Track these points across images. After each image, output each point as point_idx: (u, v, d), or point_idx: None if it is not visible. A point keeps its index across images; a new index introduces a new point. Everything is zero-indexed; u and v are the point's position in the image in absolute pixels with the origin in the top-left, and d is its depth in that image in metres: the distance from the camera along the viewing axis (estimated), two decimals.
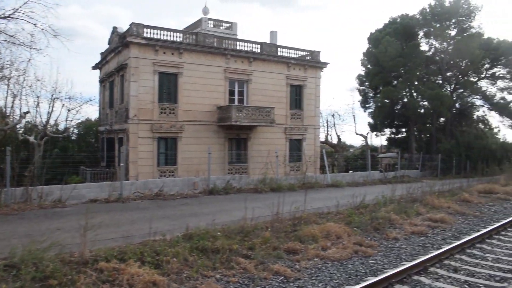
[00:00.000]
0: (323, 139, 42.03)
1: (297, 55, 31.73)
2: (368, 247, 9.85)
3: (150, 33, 25.63)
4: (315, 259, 8.93)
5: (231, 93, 28.25)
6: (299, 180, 21.36)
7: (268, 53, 29.49)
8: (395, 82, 40.85)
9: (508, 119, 43.73)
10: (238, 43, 29.43)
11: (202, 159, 23.69)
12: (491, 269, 8.37)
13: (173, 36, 26.51)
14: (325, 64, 32.28)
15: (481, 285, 7.41)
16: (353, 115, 44.07)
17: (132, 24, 25.11)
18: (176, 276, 7.54)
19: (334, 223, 11.48)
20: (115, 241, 9.48)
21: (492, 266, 8.56)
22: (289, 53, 31.02)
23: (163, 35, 26.08)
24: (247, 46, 29.41)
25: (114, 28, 30.06)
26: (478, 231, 11.46)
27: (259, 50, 29.45)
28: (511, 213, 14.91)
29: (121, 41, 26.39)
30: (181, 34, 27.14)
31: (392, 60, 37.37)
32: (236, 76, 28.31)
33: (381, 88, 40.72)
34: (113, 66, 28.56)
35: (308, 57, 32.27)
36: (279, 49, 30.52)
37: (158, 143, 25.71)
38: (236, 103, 27.89)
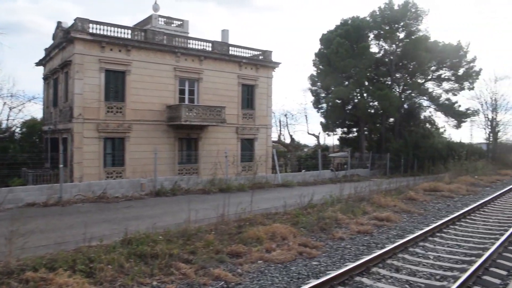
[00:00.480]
0: (276, 139, 42.11)
1: (249, 55, 31.51)
2: (313, 248, 9.72)
3: (96, 29, 24.60)
4: (258, 262, 8.68)
5: (182, 92, 27.62)
6: (249, 180, 21.14)
7: (220, 52, 29.09)
8: (346, 82, 41.47)
9: (452, 119, 45.38)
10: (189, 41, 28.86)
11: (151, 159, 22.92)
12: (432, 268, 8.40)
13: (121, 32, 25.59)
14: (277, 64, 32.25)
15: (422, 285, 7.39)
16: (305, 115, 44.37)
17: (77, 19, 24.04)
18: (109, 285, 7.09)
19: (281, 224, 11.30)
20: (47, 248, 8.90)
21: (434, 264, 8.60)
22: (241, 52, 30.74)
23: (110, 31, 25.11)
24: (198, 45, 28.88)
25: (59, 23, 28.70)
26: (422, 229, 11.58)
27: (210, 49, 29.00)
28: (453, 210, 15.23)
29: (65, 37, 25.20)
30: (130, 31, 26.27)
31: (343, 61, 37.91)
32: (186, 74, 27.71)
33: (332, 88, 41.24)
34: (57, 62, 27.26)
35: (261, 57, 32.13)
36: (230, 48, 30.18)
37: (104, 143, 24.73)
38: (186, 102, 27.29)
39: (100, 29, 24.75)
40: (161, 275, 7.67)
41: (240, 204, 12.43)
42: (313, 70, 44.15)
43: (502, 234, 10.96)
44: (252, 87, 30.95)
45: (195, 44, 28.78)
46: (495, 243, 9.86)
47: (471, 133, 59.14)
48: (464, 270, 7.88)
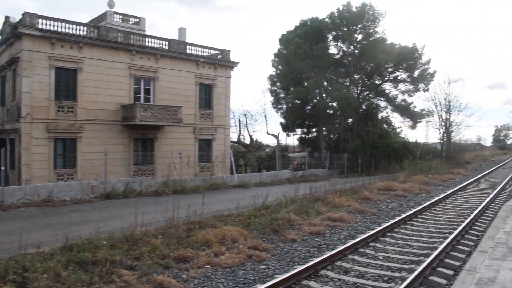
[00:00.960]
0: (235, 139, 41.85)
1: (207, 54, 31.09)
2: (264, 251, 9.51)
3: (46, 24, 23.56)
4: (206, 266, 8.38)
5: (137, 91, 26.87)
6: (205, 181, 20.77)
7: (177, 51, 28.51)
8: (306, 83, 41.71)
9: (408, 119, 46.54)
10: (145, 39, 28.13)
11: (104, 161, 22.21)
12: (381, 269, 8.34)
13: (74, 29, 24.62)
14: (236, 63, 31.98)
15: (369, 287, 7.30)
16: (265, 115, 44.24)
17: (25, 14, 22.92)
18: None
19: (232, 226, 11.03)
20: None
21: (382, 265, 8.55)
22: (199, 51, 30.25)
23: (61, 27, 24.10)
24: (154, 43, 28.20)
25: (7, 18, 27.29)
26: (373, 229, 11.57)
27: (167, 47, 28.38)
28: (406, 210, 15.41)
29: (13, 32, 24.00)
30: (83, 27, 25.32)
31: (302, 62, 38.08)
32: (142, 73, 27.00)
33: (292, 89, 41.39)
34: (5, 59, 25.91)
35: (219, 56, 31.78)
36: (188, 46, 29.65)
37: (55, 144, 23.71)
38: (142, 101, 26.57)
39: (50, 25, 23.71)
40: (100, 284, 7.24)
41: (192, 206, 12.10)
42: (272, 71, 44.21)
43: (451, 233, 11.08)
44: (210, 87, 30.53)
45: (152, 42, 28.09)
46: (443, 242, 9.93)
47: (427, 133, 61.03)
48: (412, 271, 7.84)
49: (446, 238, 10.54)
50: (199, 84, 29.72)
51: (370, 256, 9.23)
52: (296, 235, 11.05)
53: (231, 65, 31.84)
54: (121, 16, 31.40)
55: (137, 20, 32.04)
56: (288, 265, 8.51)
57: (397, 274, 7.93)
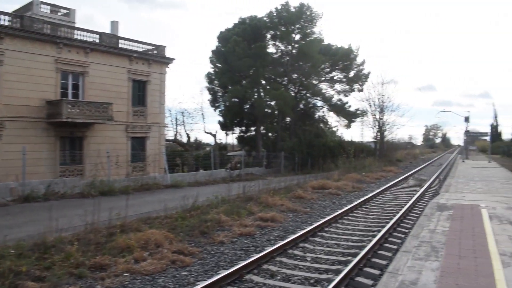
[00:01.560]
0: (172, 138, 40.86)
1: (142, 49, 29.99)
2: (189, 255, 9.02)
3: None
4: (124, 274, 7.77)
5: (65, 86, 25.34)
6: (135, 181, 19.89)
7: (108, 45, 27.22)
8: (244, 82, 41.50)
9: (344, 119, 47.69)
10: (74, 31, 26.63)
11: (28, 160, 20.64)
12: (308, 271, 8.11)
13: None
14: (171, 59, 31.10)
15: None
16: (202, 113, 43.40)
17: None
18: None
19: (158, 229, 10.44)
20: None
21: (310, 267, 8.33)
22: (132, 46, 29.11)
23: None
24: (84, 36, 26.75)
25: None
26: (304, 228, 11.41)
27: (98, 41, 27.02)
28: (338, 208, 15.45)
29: None
30: (5, 17, 23.50)
31: (239, 60, 37.82)
32: (70, 68, 25.48)
33: (230, 87, 41.00)
34: None
35: (154, 52, 30.75)
36: (120, 41, 28.42)
37: None
38: (70, 97, 25.12)
39: None
40: None
41: (118, 208, 11.37)
42: (210, 68, 43.57)
43: (379, 231, 11.13)
44: (144, 83, 29.45)
45: (81, 35, 26.63)
46: (372, 240, 9.92)
47: (362, 133, 62.82)
48: (339, 272, 7.68)
49: (374, 236, 10.55)
50: (132, 80, 28.58)
51: (298, 257, 9.00)
52: (225, 237, 10.66)
53: (167, 61, 30.92)
54: (49, 7, 29.58)
55: (67, 11, 30.35)
56: (212, 270, 8.08)
57: (324, 276, 7.73)
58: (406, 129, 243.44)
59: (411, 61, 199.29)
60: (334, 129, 51.19)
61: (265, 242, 10.37)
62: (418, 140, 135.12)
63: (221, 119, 45.18)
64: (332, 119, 49.85)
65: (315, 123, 48.75)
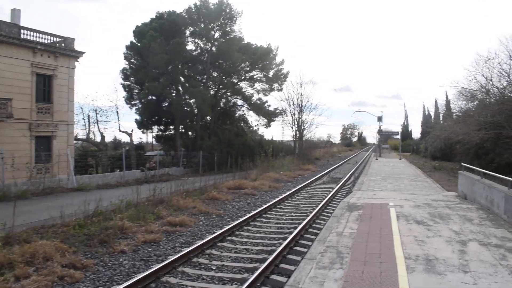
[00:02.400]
0: (84, 137, 38.45)
1: (48, 41, 27.68)
2: (82, 269, 8.11)
3: None
4: None
5: None
6: (35, 185, 18.16)
7: (8, 35, 24.74)
8: (162, 79, 40.00)
9: (263, 118, 47.84)
10: None
11: None
12: (211, 282, 7.56)
13: None
14: (81, 53, 29.07)
15: None
16: (117, 111, 41.07)
17: None
18: None
19: (50, 240, 9.35)
20: None
21: (214, 277, 7.77)
22: (36, 37, 26.71)
23: None
24: None
25: None
26: (213, 233, 10.86)
27: None
28: (251, 209, 15.08)
29: None
30: None
31: (156, 56, 36.35)
32: None
33: (146, 84, 39.30)
34: None
35: (62, 45, 28.55)
36: (22, 31, 25.95)
37: None
38: None
39: None
40: None
41: (7, 216, 10.10)
42: (125, 64, 41.36)
43: (291, 233, 10.89)
44: (49, 78, 27.19)
45: None
46: (282, 244, 9.60)
47: (283, 132, 63.69)
48: (244, 281, 7.21)
49: (285, 239, 10.27)
50: (36, 74, 26.21)
51: (203, 266, 8.41)
52: (127, 245, 9.81)
53: (76, 55, 28.84)
54: None
55: None
56: (104, 287, 7.26)
57: (228, 287, 7.22)
58: (325, 128, 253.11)
59: (330, 63, 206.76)
60: (255, 128, 51.20)
61: (169, 250, 9.66)
62: (336, 139, 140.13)
63: (138, 117, 43.24)
64: (252, 118, 49.89)
65: (236, 122, 48.40)
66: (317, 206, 15.08)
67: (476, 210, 12.58)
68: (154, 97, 40.80)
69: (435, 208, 12.91)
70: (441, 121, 49.41)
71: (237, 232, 11.33)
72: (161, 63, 37.09)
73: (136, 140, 48.30)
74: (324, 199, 16.96)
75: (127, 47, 39.90)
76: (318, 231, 11.23)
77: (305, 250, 9.41)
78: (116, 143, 55.80)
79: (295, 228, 11.53)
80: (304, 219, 12.69)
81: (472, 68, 25.05)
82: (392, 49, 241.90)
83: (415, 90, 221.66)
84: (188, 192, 17.10)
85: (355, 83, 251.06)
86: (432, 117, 68.14)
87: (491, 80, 23.41)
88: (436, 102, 64.73)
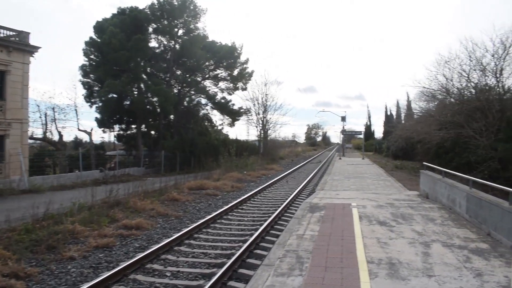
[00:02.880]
0: (41, 136, 36.97)
1: (0, 35, 26.29)
2: (24, 278, 7.50)
3: None
4: None
5: None
6: None
7: None
8: (123, 76, 38.86)
9: (228, 117, 47.38)
10: None
11: None
12: None
13: None
14: (36, 48, 27.73)
15: None
16: (76, 109, 39.47)
17: None
18: None
19: None
20: None
21: (168, 284, 7.31)
22: None
23: None
24: None
25: None
26: (170, 236, 10.37)
27: None
28: (212, 211, 14.63)
29: None
30: None
31: (116, 52, 35.27)
32: None
33: (106, 81, 38.06)
34: None
35: (17, 38, 27.19)
36: None
37: None
38: None
39: None
40: None
41: None
42: (84, 60, 39.85)
43: (252, 235, 10.56)
44: (2, 74, 25.79)
45: None
46: (242, 247, 9.25)
47: (248, 131, 63.35)
48: None
49: (245, 241, 9.94)
50: None
51: (157, 273, 7.93)
52: (78, 251, 9.21)
53: (31, 49, 27.49)
54: None
55: None
56: None
57: None
58: (290, 128, 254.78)
59: (295, 63, 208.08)
60: (219, 127, 50.65)
61: (122, 255, 9.13)
62: (301, 139, 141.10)
63: (98, 116, 41.87)
64: (217, 117, 49.30)
65: (200, 122, 47.66)
66: (279, 207, 14.82)
67: (438, 210, 12.56)
68: (115, 95, 39.66)
69: (398, 208, 12.82)
70: (403, 121, 50.31)
71: (195, 235, 10.88)
72: (122, 60, 36.00)
73: (99, 140, 46.97)
74: (287, 199, 16.72)
75: (86, 43, 38.52)
76: (279, 233, 10.96)
77: (265, 253, 9.09)
78: (78, 143, 54.01)
79: (256, 230, 11.21)
80: (266, 220, 12.39)
81: (434, 68, 25.32)
82: (356, 49, 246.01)
83: (378, 91, 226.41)
84: (147, 193, 16.54)
85: (319, 84, 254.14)
86: (394, 117, 69.53)
87: (452, 80, 23.80)
88: (397, 102, 66.21)
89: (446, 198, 13.16)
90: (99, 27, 38.53)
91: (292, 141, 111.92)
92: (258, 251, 9.39)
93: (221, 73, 46.69)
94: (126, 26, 38.34)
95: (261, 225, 11.89)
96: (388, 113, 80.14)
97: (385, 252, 7.76)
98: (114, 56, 35.49)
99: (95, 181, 23.36)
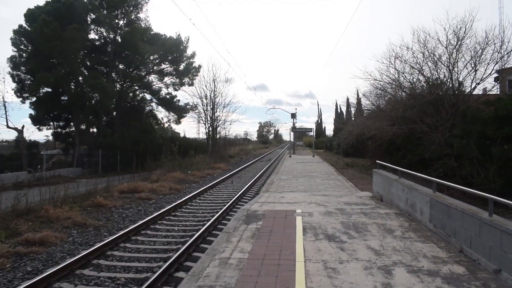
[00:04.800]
0: None
1: None
2: None
3: None
4: None
5: None
6: None
7: None
8: (58, 69, 35.95)
9: (173, 114, 45.38)
10: None
11: None
12: None
13: None
14: None
15: None
16: (5, 104, 35.90)
17: None
18: None
19: None
20: None
21: None
22: None
23: None
24: None
25: None
26: (77, 255, 8.58)
27: None
28: (140, 218, 12.82)
29: None
30: None
31: (49, 43, 32.47)
32: None
33: (38, 74, 35.06)
34: None
35: None
36: None
37: None
38: None
39: None
40: None
41: None
42: (13, 51, 36.52)
43: (178, 249, 9.00)
44: None
45: None
46: (161, 267, 7.66)
47: (198, 129, 61.34)
48: None
49: (177, 250, 8.42)
50: None
51: None
52: None
53: None
54: None
55: None
56: None
57: None
58: (243, 126, 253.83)
59: (247, 61, 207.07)
60: (166, 124, 48.50)
61: (3, 285, 7.27)
62: (254, 136, 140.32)
63: (33, 112, 38.66)
64: (162, 114, 47.24)
65: (145, 119, 45.39)
66: (217, 213, 13.31)
67: (396, 217, 11.04)
68: (50, 90, 36.75)
69: (349, 216, 11.16)
70: (353, 118, 50.01)
71: (108, 253, 9.06)
72: (55, 51, 33.23)
73: (38, 138, 43.52)
74: (227, 203, 15.20)
75: (14, 31, 35.32)
76: (201, 255, 9.09)
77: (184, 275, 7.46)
78: (19, 141, 50.08)
79: (186, 242, 9.64)
80: (198, 230, 10.80)
81: (386, 60, 24.32)
82: (306, 47, 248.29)
83: (328, 89, 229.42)
84: (68, 198, 14.52)
85: (271, 82, 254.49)
86: (345, 114, 69.63)
87: (403, 73, 22.95)
88: (348, 99, 66.07)
89: (404, 202, 11.64)
90: (31, 15, 35.54)
91: (244, 139, 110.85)
92: (178, 275, 7.73)
93: (167, 67, 44.66)
94: (61, 14, 35.52)
95: (191, 236, 10.29)
96: (339, 110, 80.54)
97: (334, 286, 5.97)
98: (47, 47, 32.66)
99: (17, 184, 20.94)
